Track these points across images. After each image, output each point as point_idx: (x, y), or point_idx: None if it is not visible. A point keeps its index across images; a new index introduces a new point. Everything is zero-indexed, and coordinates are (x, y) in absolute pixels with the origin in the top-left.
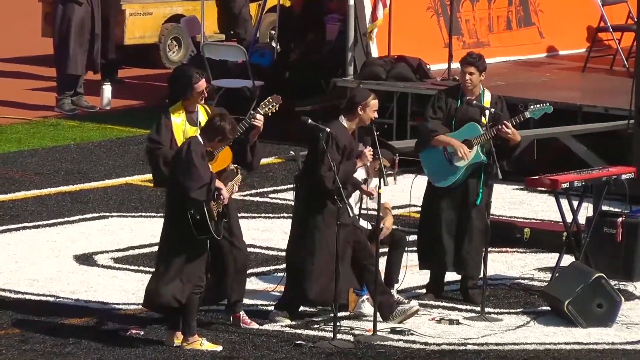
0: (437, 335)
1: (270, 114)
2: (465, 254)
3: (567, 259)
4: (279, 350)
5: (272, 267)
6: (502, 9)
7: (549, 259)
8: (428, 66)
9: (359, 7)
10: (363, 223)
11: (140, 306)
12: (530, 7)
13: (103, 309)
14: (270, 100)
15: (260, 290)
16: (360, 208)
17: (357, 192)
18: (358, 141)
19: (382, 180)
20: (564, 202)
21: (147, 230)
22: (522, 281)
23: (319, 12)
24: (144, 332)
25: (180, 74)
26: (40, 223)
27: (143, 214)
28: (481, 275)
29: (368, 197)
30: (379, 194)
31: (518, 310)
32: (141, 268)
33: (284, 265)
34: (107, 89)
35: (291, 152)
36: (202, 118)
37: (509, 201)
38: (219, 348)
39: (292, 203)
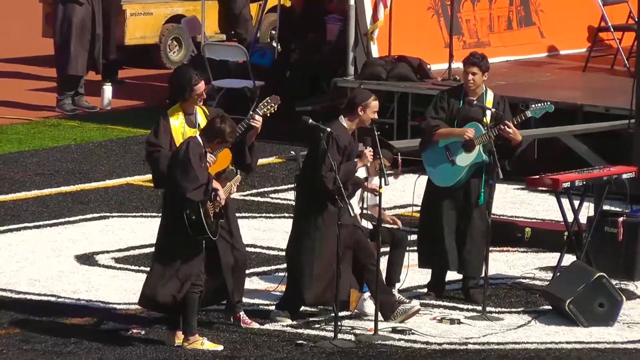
0: (438, 335)
1: (269, 115)
2: (466, 254)
3: (568, 259)
4: (280, 350)
5: (273, 267)
6: (502, 9)
7: (550, 258)
8: (429, 66)
9: (360, 7)
10: (364, 223)
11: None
12: (531, 7)
13: (104, 309)
14: (269, 100)
15: (261, 290)
16: (361, 208)
17: (358, 192)
18: (358, 141)
19: (382, 179)
20: (565, 202)
21: (148, 230)
22: (524, 281)
23: (319, 12)
24: (144, 332)
25: (179, 75)
26: (41, 223)
27: (144, 214)
28: (482, 274)
29: (372, 194)
30: (379, 194)
31: (519, 309)
32: (142, 268)
33: (285, 265)
34: (108, 89)
35: (292, 152)
36: (201, 119)
37: (510, 201)
38: (220, 348)
39: (293, 203)
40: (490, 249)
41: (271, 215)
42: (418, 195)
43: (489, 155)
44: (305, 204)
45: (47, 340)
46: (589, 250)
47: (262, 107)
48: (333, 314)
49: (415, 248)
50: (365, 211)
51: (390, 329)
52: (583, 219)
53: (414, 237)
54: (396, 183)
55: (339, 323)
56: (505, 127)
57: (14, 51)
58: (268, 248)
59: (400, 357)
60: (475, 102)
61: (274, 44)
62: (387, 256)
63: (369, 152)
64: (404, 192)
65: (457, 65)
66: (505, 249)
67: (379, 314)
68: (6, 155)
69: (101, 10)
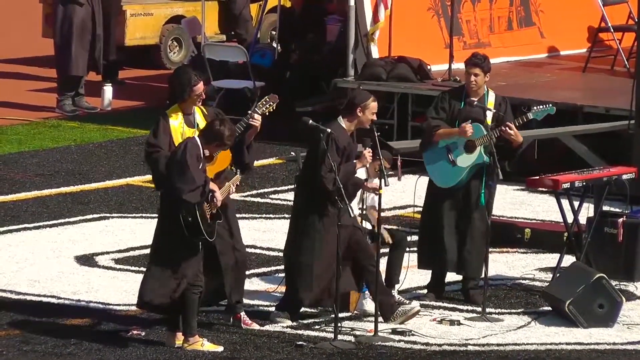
0: (438, 336)
1: (267, 113)
2: (466, 255)
3: (568, 260)
4: (280, 351)
5: (273, 268)
6: (503, 10)
7: (550, 259)
8: (429, 67)
9: (360, 7)
10: (363, 223)
11: None
12: (531, 8)
13: (104, 310)
14: (268, 99)
15: (261, 291)
16: (361, 209)
17: (358, 193)
18: (357, 142)
19: (382, 180)
20: (565, 203)
21: (148, 231)
22: (523, 281)
23: (319, 13)
24: (144, 333)
25: (179, 75)
26: (41, 224)
27: (144, 214)
28: (482, 275)
29: (373, 194)
30: (379, 195)
31: (519, 310)
32: (142, 269)
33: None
34: (108, 89)
35: (292, 152)
36: (199, 120)
37: (510, 201)
38: (220, 349)
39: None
40: (490, 249)
41: (271, 216)
42: (418, 196)
43: (489, 156)
44: (305, 204)
45: (47, 341)
46: (589, 251)
47: (260, 106)
48: (333, 315)
49: (415, 249)
50: (364, 212)
51: (390, 330)
52: (583, 220)
53: (413, 238)
54: (396, 184)
55: (339, 324)
56: (507, 128)
57: (14, 51)
58: (268, 249)
59: (400, 358)
60: (476, 102)
61: (274, 45)
62: (386, 257)
63: (368, 153)
64: (404, 192)
65: (457, 66)
66: (505, 249)
67: (379, 315)
68: (6, 155)
69: (101, 10)
